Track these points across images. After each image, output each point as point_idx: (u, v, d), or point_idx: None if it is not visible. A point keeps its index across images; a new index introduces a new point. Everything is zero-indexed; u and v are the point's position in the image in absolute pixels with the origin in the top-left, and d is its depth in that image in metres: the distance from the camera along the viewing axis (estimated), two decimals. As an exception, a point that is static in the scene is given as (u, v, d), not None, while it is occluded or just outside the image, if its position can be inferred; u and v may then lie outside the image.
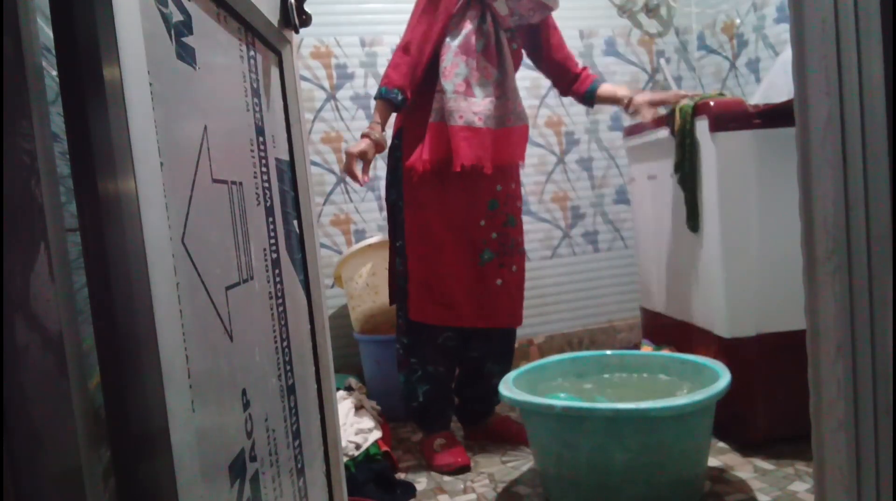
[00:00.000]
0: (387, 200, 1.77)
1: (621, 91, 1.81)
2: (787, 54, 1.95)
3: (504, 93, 1.67)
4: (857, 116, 0.58)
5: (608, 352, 1.76)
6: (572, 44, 2.57)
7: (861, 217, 0.59)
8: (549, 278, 2.56)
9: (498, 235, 1.70)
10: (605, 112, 2.61)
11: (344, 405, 1.73)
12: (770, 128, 1.56)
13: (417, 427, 1.83)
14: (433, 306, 1.67)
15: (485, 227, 1.68)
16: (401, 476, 1.67)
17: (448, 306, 1.67)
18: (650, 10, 2.63)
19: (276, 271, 0.78)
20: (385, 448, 1.66)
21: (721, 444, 1.67)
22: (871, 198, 0.58)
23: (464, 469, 1.66)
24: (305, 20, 0.93)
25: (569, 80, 1.86)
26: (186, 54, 0.55)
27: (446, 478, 1.64)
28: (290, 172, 0.91)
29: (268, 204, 0.77)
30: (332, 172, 2.36)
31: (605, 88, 1.83)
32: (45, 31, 0.39)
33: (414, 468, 1.72)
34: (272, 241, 0.78)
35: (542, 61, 1.86)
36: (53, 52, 0.39)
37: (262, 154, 0.77)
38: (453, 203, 1.67)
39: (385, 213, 2.11)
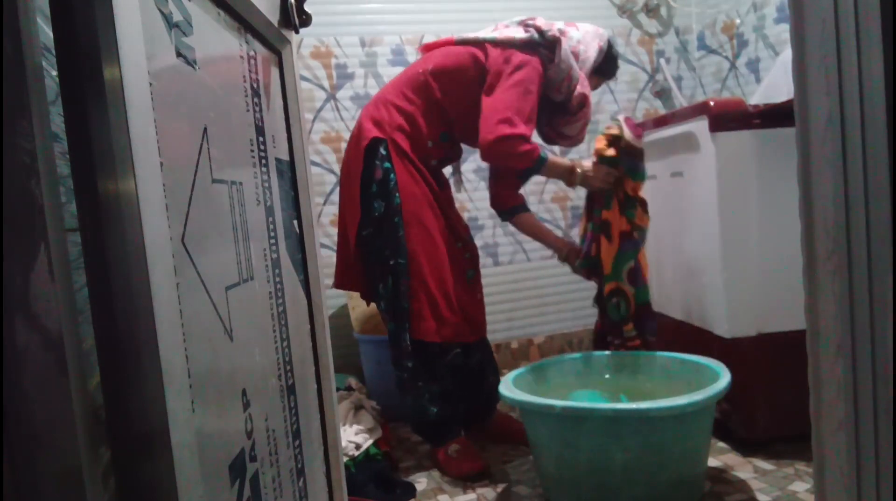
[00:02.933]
0: (370, 217, 1.67)
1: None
2: (787, 54, 1.95)
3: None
4: (857, 116, 0.58)
5: (608, 352, 1.76)
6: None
7: (861, 217, 0.59)
8: (549, 278, 2.56)
9: (470, 255, 1.78)
10: (605, 113, 2.61)
11: (344, 405, 1.73)
12: (770, 128, 1.56)
13: (426, 441, 1.79)
14: (448, 324, 1.66)
15: (461, 248, 1.75)
16: (401, 476, 1.67)
17: (455, 323, 1.67)
18: (650, 10, 2.63)
19: (276, 271, 0.78)
20: (385, 448, 1.66)
21: (721, 444, 1.67)
22: (871, 198, 0.58)
23: (483, 473, 1.63)
24: (305, 20, 0.93)
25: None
26: (186, 54, 0.55)
27: (445, 478, 1.64)
28: (290, 173, 0.91)
29: (268, 204, 0.77)
30: (332, 172, 2.36)
31: (530, 217, 1.95)
32: (45, 31, 0.39)
33: (414, 468, 1.72)
34: (272, 241, 0.78)
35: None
36: (53, 52, 0.39)
37: (262, 154, 0.77)
38: (446, 221, 1.71)
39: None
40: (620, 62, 2.59)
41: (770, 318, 1.59)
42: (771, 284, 1.57)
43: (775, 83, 1.88)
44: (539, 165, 1.69)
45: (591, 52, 1.76)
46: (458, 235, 1.75)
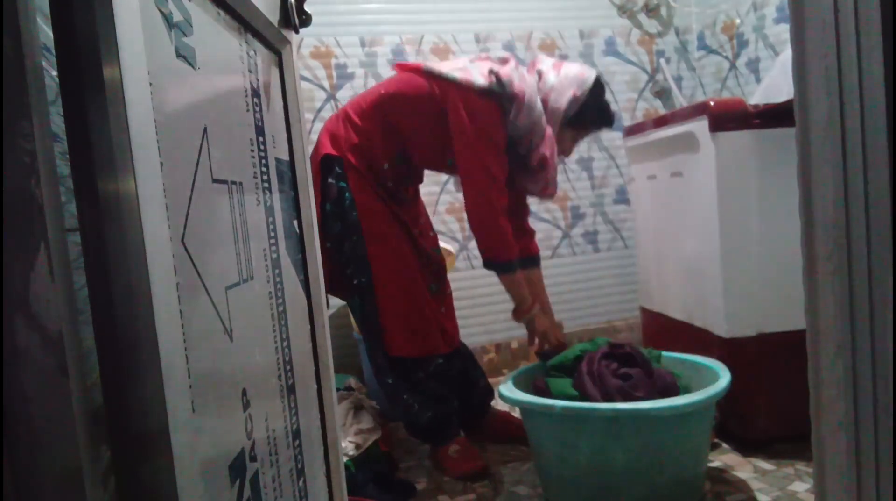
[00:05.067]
0: (328, 233, 1.63)
1: (531, 301, 1.72)
2: (787, 54, 1.95)
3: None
4: (857, 116, 0.58)
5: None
6: (572, 43, 2.57)
7: (861, 217, 0.59)
8: (548, 278, 2.54)
9: (436, 268, 1.77)
10: (605, 112, 2.61)
11: (344, 405, 1.73)
12: (770, 128, 1.56)
13: (426, 442, 1.78)
14: (422, 337, 1.65)
15: (423, 262, 1.73)
16: (401, 476, 1.67)
17: (429, 334, 1.67)
18: (650, 10, 2.63)
19: (276, 271, 0.78)
20: (385, 448, 1.66)
21: (721, 444, 1.67)
22: (871, 198, 0.58)
23: (483, 473, 1.63)
24: (305, 20, 0.93)
25: (519, 222, 1.88)
26: (186, 54, 0.55)
27: (445, 478, 1.64)
28: (290, 173, 0.91)
29: (268, 204, 0.77)
30: (332, 172, 2.35)
31: (536, 273, 1.87)
32: (45, 31, 0.39)
33: (414, 468, 1.72)
34: (272, 241, 0.78)
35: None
36: (53, 52, 0.39)
37: (262, 154, 0.77)
38: (408, 235, 1.70)
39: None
40: (620, 62, 2.62)
41: (770, 318, 1.59)
42: (771, 284, 1.57)
43: (775, 83, 1.88)
44: (505, 268, 1.64)
45: (562, 102, 1.63)
46: (421, 249, 1.73)
